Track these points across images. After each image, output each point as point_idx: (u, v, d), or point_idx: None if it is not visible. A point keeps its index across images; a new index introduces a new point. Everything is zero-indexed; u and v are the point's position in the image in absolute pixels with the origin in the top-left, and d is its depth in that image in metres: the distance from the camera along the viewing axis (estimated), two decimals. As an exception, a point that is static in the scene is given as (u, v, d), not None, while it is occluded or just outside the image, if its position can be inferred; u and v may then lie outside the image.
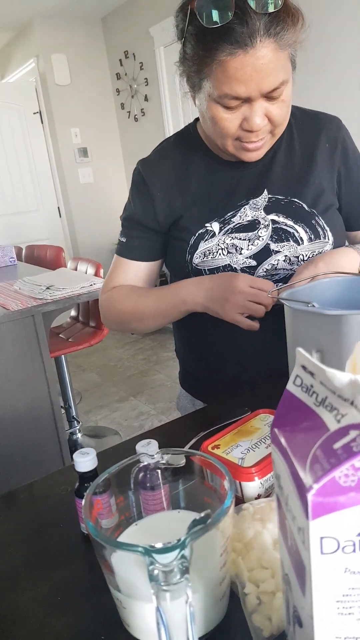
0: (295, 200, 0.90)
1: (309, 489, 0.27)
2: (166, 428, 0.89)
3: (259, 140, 0.81)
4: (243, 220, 0.91)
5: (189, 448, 0.72)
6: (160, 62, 3.68)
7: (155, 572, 0.37)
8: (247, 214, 0.91)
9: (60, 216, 4.39)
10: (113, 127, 4.36)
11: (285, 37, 0.69)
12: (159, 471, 0.53)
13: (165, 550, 0.37)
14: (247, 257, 0.90)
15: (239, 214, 0.91)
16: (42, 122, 4.18)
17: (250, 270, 0.91)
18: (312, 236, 0.90)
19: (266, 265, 0.90)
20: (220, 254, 0.90)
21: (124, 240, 1.00)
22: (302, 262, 0.89)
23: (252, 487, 0.59)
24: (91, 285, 1.94)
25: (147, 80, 3.86)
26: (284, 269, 0.90)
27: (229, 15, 0.66)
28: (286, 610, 0.37)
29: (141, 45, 3.78)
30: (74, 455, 0.58)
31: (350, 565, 0.28)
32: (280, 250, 0.90)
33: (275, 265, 0.90)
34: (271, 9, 0.66)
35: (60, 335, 2.47)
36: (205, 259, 0.91)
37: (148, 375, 3.39)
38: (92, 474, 0.58)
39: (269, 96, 0.75)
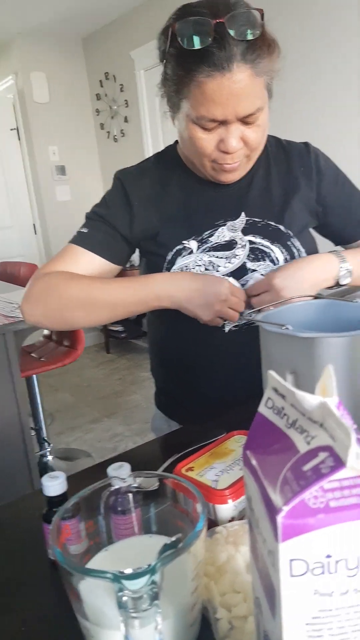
0: (272, 223, 0.93)
1: (279, 511, 0.27)
2: (140, 450, 0.88)
3: (234, 163, 0.84)
4: (220, 240, 0.92)
5: (163, 470, 0.71)
6: (140, 85, 3.75)
7: (124, 598, 0.36)
8: (224, 234, 0.92)
9: (35, 233, 4.36)
10: (92, 147, 4.40)
11: (261, 64, 0.72)
12: (130, 495, 0.52)
13: (134, 576, 0.37)
14: (224, 275, 0.92)
15: (216, 234, 0.93)
16: (19, 139, 4.18)
17: None
18: (288, 257, 0.92)
19: (243, 281, 0.92)
20: (197, 271, 0.92)
21: (86, 231, 0.94)
22: None
23: (226, 509, 0.59)
24: (66, 303, 1.91)
25: (127, 102, 3.92)
26: None
27: (209, 40, 0.69)
28: (257, 634, 0.36)
29: (122, 67, 3.86)
30: (42, 479, 0.57)
31: (320, 588, 0.28)
32: (257, 269, 0.92)
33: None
34: (249, 37, 0.70)
35: (32, 355, 2.42)
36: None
37: (123, 395, 3.36)
38: (61, 499, 0.57)
39: (245, 121, 0.78)
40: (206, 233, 0.93)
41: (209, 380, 1.00)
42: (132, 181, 0.96)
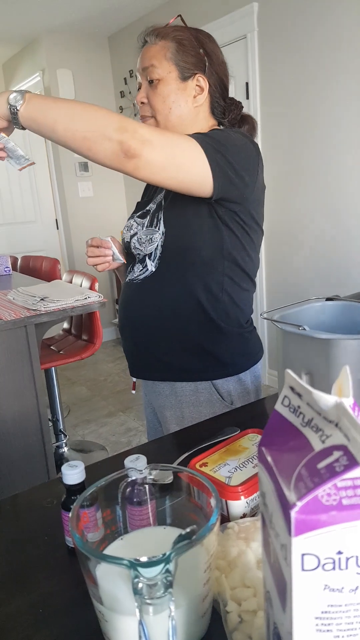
0: (162, 196, 1.09)
1: (293, 506, 0.28)
2: (154, 444, 0.90)
3: (142, 117, 1.07)
4: (145, 209, 1.14)
5: (177, 465, 0.72)
6: (163, 84, 3.75)
7: (140, 585, 0.38)
8: (150, 205, 1.13)
9: (57, 228, 4.42)
10: (114, 144, 4.41)
11: (153, 41, 1.04)
12: (146, 486, 0.54)
13: (150, 564, 0.38)
14: (129, 235, 1.13)
15: (148, 205, 1.13)
16: (44, 135, 4.23)
17: (126, 245, 1.14)
18: (148, 224, 1.09)
19: (132, 242, 1.11)
20: (124, 230, 1.16)
21: None
22: (143, 244, 1.08)
23: (238, 506, 0.60)
24: (85, 298, 1.94)
25: (150, 100, 3.93)
26: (137, 247, 1.10)
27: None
28: (267, 627, 0.37)
29: (146, 66, 3.86)
30: (63, 468, 0.59)
31: (330, 583, 0.29)
32: (137, 232, 1.11)
33: (135, 244, 1.10)
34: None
35: (52, 347, 2.46)
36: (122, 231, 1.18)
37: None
38: (80, 487, 0.59)
39: (148, 78, 1.03)
40: (147, 205, 1.14)
41: (122, 329, 1.18)
42: None
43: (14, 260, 3.28)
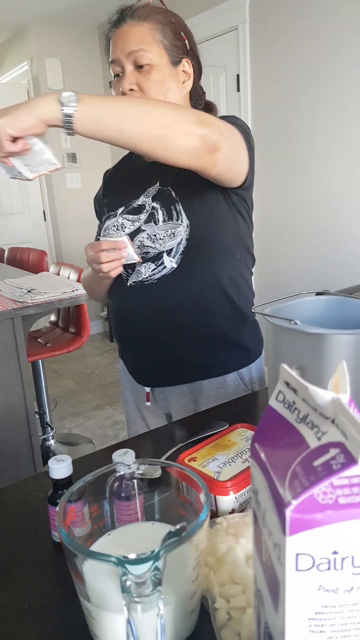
0: (168, 188, 1.02)
1: (288, 505, 0.27)
2: (142, 438, 0.89)
3: None
4: (135, 204, 1.05)
5: (165, 459, 0.72)
6: (154, 75, 3.71)
7: (128, 583, 0.37)
8: (140, 200, 1.05)
9: (45, 220, 4.36)
10: (104, 135, 4.36)
11: (140, 19, 0.98)
12: (134, 481, 0.53)
13: (138, 561, 0.37)
14: (126, 234, 1.04)
15: (137, 200, 1.05)
16: (32, 125, 4.16)
17: None
18: (166, 218, 1.00)
19: (137, 241, 1.02)
20: (111, 230, 1.06)
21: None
22: (159, 241, 0.99)
23: (227, 501, 0.59)
24: (73, 291, 1.92)
25: (140, 91, 3.89)
26: (148, 245, 1.01)
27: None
28: (257, 626, 0.37)
29: (136, 56, 3.82)
30: (49, 462, 0.58)
31: (324, 583, 0.28)
32: (145, 229, 1.02)
33: (142, 242, 1.02)
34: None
35: (39, 340, 2.44)
36: (104, 233, 1.08)
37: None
38: (67, 482, 0.58)
39: (136, 63, 0.95)
40: (133, 200, 1.05)
41: (118, 331, 1.13)
42: (108, 175, 1.19)
43: (1, 252, 3.24)
